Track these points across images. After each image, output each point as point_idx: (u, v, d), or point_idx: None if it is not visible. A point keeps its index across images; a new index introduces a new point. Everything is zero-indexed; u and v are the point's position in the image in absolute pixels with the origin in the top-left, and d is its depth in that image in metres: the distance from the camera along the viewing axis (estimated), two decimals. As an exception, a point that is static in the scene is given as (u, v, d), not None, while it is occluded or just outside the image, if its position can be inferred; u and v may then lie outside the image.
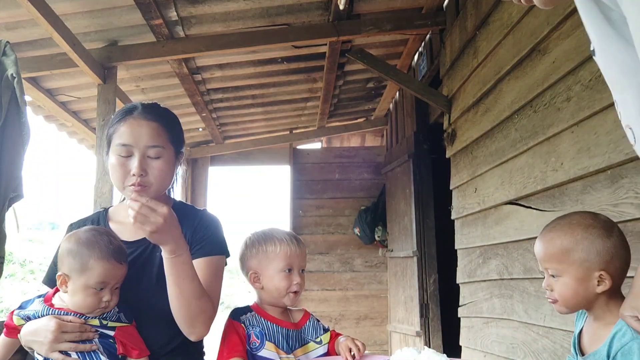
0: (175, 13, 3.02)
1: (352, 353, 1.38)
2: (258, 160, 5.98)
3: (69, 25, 2.82)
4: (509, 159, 2.51)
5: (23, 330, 1.29)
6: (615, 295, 1.14)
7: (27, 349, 1.32)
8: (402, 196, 4.65)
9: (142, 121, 1.38)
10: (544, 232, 1.19)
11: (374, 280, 5.63)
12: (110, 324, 1.32)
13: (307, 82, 4.46)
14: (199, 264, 1.38)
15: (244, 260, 1.52)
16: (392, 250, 4.92)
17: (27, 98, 3.02)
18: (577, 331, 1.22)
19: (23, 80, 2.05)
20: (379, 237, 5.28)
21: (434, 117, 4.30)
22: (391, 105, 5.40)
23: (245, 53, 3.69)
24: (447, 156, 3.38)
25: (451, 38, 3.28)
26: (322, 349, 1.48)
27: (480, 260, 2.91)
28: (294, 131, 5.77)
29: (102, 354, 1.28)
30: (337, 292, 5.65)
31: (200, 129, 5.25)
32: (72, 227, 1.49)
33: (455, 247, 3.26)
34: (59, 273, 1.30)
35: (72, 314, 1.29)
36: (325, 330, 1.53)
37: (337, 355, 1.44)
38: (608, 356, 1.05)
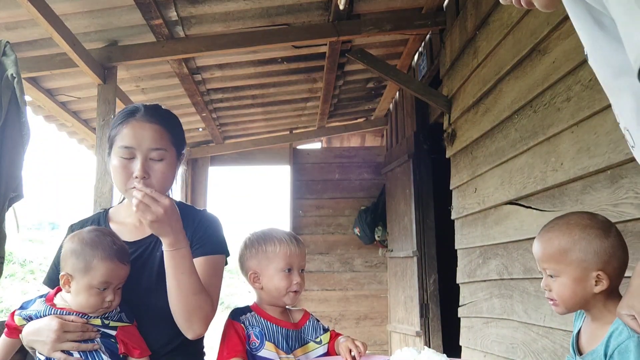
0: (175, 13, 3.02)
1: (352, 354, 1.37)
2: (258, 160, 5.98)
3: (69, 25, 2.83)
4: (509, 159, 2.51)
5: (25, 330, 1.29)
6: (613, 295, 1.14)
7: (28, 349, 1.32)
8: (402, 196, 4.65)
9: (144, 124, 1.38)
10: (542, 233, 1.20)
11: (374, 280, 5.63)
12: (112, 323, 1.33)
13: (307, 82, 4.46)
14: (198, 262, 1.38)
15: (243, 261, 1.52)
16: (392, 250, 4.92)
17: (27, 98, 3.02)
18: (576, 331, 1.22)
19: (23, 80, 2.05)
20: (379, 237, 5.29)
21: (434, 117, 4.30)
22: (391, 105, 5.40)
23: (245, 53, 3.69)
24: (447, 156, 3.38)
25: (451, 38, 3.28)
26: (322, 349, 1.48)
27: (480, 260, 2.91)
28: (294, 131, 5.77)
29: (103, 354, 1.29)
30: (337, 292, 5.65)
31: (200, 129, 5.25)
32: (73, 228, 1.49)
33: (455, 247, 3.26)
34: (62, 273, 1.30)
35: (74, 313, 1.30)
36: (325, 330, 1.53)
37: (337, 355, 1.44)
38: (605, 355, 1.06)
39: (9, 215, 2.00)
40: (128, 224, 1.49)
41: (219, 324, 1.46)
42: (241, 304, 1.57)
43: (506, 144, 2.54)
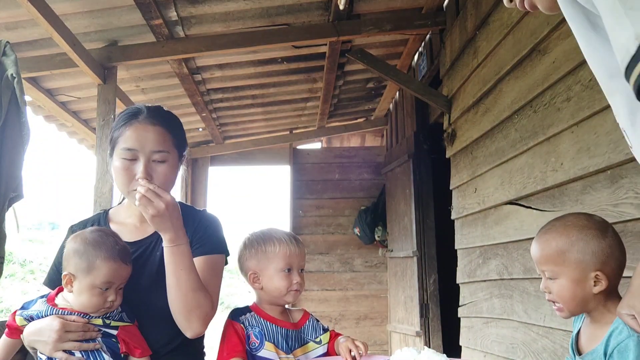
0: (175, 13, 3.02)
1: (353, 354, 1.37)
2: (258, 160, 5.98)
3: (69, 25, 2.83)
4: (509, 159, 2.51)
5: (26, 330, 1.30)
6: (612, 295, 1.14)
7: (29, 349, 1.33)
8: (402, 196, 4.65)
9: (148, 126, 1.39)
10: (540, 235, 1.20)
11: (374, 280, 5.63)
12: (113, 323, 1.33)
13: (307, 82, 4.46)
14: (198, 262, 1.39)
15: (242, 261, 1.53)
16: (392, 250, 4.92)
17: (27, 98, 3.03)
18: (575, 332, 1.22)
19: (23, 80, 2.05)
20: (379, 237, 5.29)
21: (434, 117, 4.30)
22: (391, 105, 5.40)
23: (245, 53, 3.69)
24: (447, 156, 3.38)
25: (451, 38, 3.28)
26: (322, 349, 1.48)
27: (480, 260, 2.91)
28: (294, 131, 5.77)
29: (105, 353, 1.29)
30: (337, 292, 5.65)
31: (200, 129, 5.25)
32: (73, 228, 1.50)
33: (455, 247, 3.26)
34: (64, 272, 1.31)
35: (76, 313, 1.30)
36: (325, 330, 1.53)
37: (336, 355, 1.44)
38: (605, 354, 1.06)
39: (9, 215, 2.00)
40: (128, 225, 1.49)
41: (219, 324, 1.47)
42: (241, 304, 1.57)
43: (506, 144, 2.54)
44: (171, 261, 1.31)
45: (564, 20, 2.00)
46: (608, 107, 1.74)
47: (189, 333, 1.34)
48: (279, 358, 1.40)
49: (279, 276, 1.46)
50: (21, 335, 1.31)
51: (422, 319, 4.21)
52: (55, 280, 1.44)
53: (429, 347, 1.74)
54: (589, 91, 1.86)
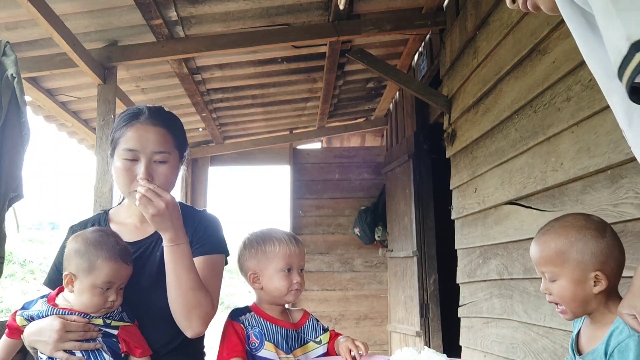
0: (175, 13, 3.02)
1: (352, 354, 1.37)
2: (258, 160, 5.98)
3: (69, 25, 2.83)
4: (509, 159, 2.51)
5: (26, 330, 1.30)
6: (612, 295, 1.14)
7: (29, 349, 1.33)
8: (402, 196, 4.65)
9: (149, 127, 1.39)
10: (538, 236, 1.20)
11: (374, 280, 5.63)
12: (114, 323, 1.34)
13: (307, 82, 4.46)
14: (198, 262, 1.39)
15: (242, 261, 1.52)
16: (392, 250, 4.92)
17: (27, 98, 3.02)
18: (575, 332, 1.22)
19: (23, 80, 2.05)
20: (379, 237, 5.29)
21: (434, 117, 4.30)
22: (391, 105, 5.40)
23: (245, 53, 3.69)
24: (447, 156, 3.38)
25: (451, 38, 3.28)
26: (322, 349, 1.48)
27: (480, 260, 2.91)
28: (294, 131, 5.77)
29: (105, 353, 1.30)
30: (337, 292, 5.65)
31: (200, 129, 5.25)
32: (73, 229, 1.50)
33: (455, 247, 3.26)
34: (65, 272, 1.31)
35: (76, 313, 1.31)
36: (325, 330, 1.53)
37: (336, 355, 1.44)
38: (606, 353, 1.06)
39: (9, 215, 2.00)
40: (128, 225, 1.49)
41: (219, 324, 1.47)
42: (241, 304, 1.57)
43: (506, 144, 2.54)
44: (171, 260, 1.32)
45: (564, 20, 2.00)
46: (608, 107, 1.73)
47: (189, 333, 1.34)
48: (279, 358, 1.40)
49: (279, 276, 1.46)
50: (21, 336, 1.31)
51: (422, 319, 4.21)
52: (55, 280, 1.44)
53: (429, 347, 1.74)
54: (589, 91, 1.86)
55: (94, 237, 1.32)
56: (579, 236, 1.13)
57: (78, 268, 1.29)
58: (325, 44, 3.60)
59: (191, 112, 4.57)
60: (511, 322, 2.53)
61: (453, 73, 3.28)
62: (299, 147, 6.04)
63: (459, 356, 3.02)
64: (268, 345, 1.40)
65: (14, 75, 1.91)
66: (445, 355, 1.27)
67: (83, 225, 1.51)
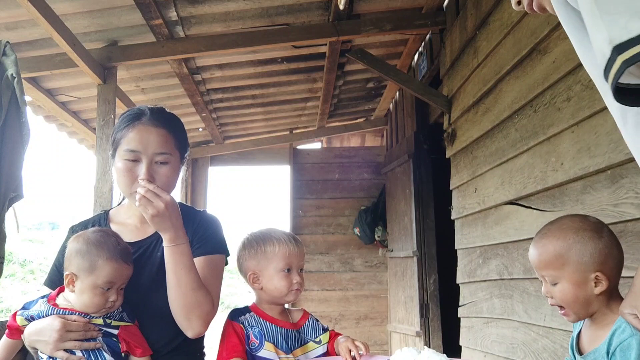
0: (175, 13, 3.02)
1: (352, 354, 1.37)
2: (258, 160, 5.98)
3: (69, 25, 2.83)
4: (509, 159, 2.51)
5: (27, 330, 1.30)
6: (614, 295, 1.14)
7: (29, 350, 1.33)
8: (402, 196, 4.65)
9: (151, 128, 1.39)
10: (536, 240, 1.20)
11: (374, 280, 5.63)
12: (114, 323, 1.34)
13: (307, 82, 4.46)
14: (199, 262, 1.39)
15: (242, 261, 1.52)
16: (392, 250, 4.92)
17: (27, 98, 3.02)
18: (576, 332, 1.22)
19: (23, 80, 2.05)
20: (379, 237, 5.28)
21: (434, 117, 4.30)
22: (391, 105, 5.40)
23: (245, 53, 3.69)
24: (447, 156, 3.38)
25: (451, 38, 3.28)
26: (322, 349, 1.48)
27: (480, 260, 2.91)
28: (294, 131, 5.77)
29: (106, 352, 1.30)
30: (337, 292, 5.65)
31: (200, 129, 5.25)
32: (74, 229, 1.50)
33: (455, 247, 3.26)
34: (66, 272, 1.32)
35: (77, 313, 1.31)
36: (325, 330, 1.53)
37: (336, 355, 1.44)
38: (608, 352, 1.06)
39: (9, 215, 2.00)
40: (129, 225, 1.50)
41: (219, 324, 1.47)
42: (241, 304, 1.57)
43: (506, 143, 2.54)
44: (171, 261, 1.32)
45: (564, 20, 2.00)
46: (608, 107, 1.74)
47: (189, 333, 1.35)
48: (279, 358, 1.40)
49: (279, 276, 1.46)
50: (22, 336, 1.32)
51: (422, 319, 4.21)
52: (55, 280, 1.44)
53: (429, 347, 1.74)
54: (589, 91, 1.86)
55: (95, 238, 1.32)
56: (577, 238, 1.13)
57: (79, 268, 1.29)
58: (325, 44, 3.60)
59: (191, 112, 4.57)
60: (511, 322, 2.53)
61: (453, 73, 3.28)
62: (299, 147, 6.04)
63: (459, 356, 3.02)
64: (268, 345, 1.40)
65: (14, 75, 1.91)
66: (445, 355, 1.26)
67: (83, 225, 1.51)
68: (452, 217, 3.30)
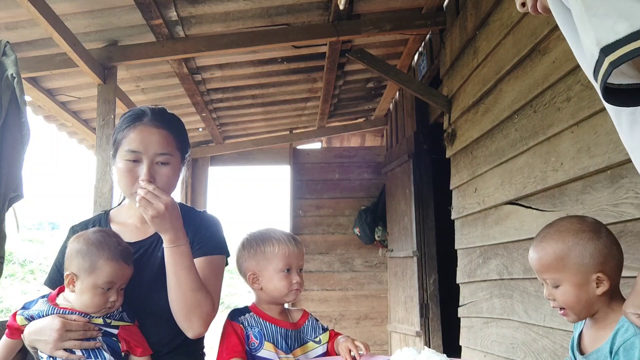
0: (175, 13, 3.02)
1: (352, 354, 1.37)
2: (258, 160, 5.98)
3: (69, 25, 2.83)
4: (509, 159, 2.51)
5: (27, 330, 1.30)
6: (615, 294, 1.14)
7: (29, 349, 1.33)
8: (402, 196, 4.65)
9: (152, 129, 1.40)
10: (535, 244, 1.20)
11: (374, 280, 5.63)
12: (114, 322, 1.34)
13: (307, 82, 4.46)
14: (199, 263, 1.40)
15: (241, 262, 1.52)
16: (392, 250, 4.92)
17: (27, 98, 3.03)
18: (577, 333, 1.22)
19: (23, 80, 2.05)
20: (379, 237, 5.28)
21: (434, 117, 4.30)
22: (391, 105, 5.40)
23: (245, 53, 3.69)
24: (447, 156, 3.38)
25: (451, 38, 3.28)
26: (322, 349, 1.48)
27: (480, 260, 2.91)
28: (294, 131, 5.77)
29: (106, 352, 1.30)
30: (337, 292, 5.65)
31: (200, 129, 5.26)
32: (74, 229, 1.51)
33: (455, 247, 3.26)
34: (66, 272, 1.32)
35: (77, 313, 1.31)
36: (324, 329, 1.53)
37: (336, 355, 1.44)
38: (611, 352, 1.06)
39: (9, 215, 2.00)
40: (129, 225, 1.50)
41: (219, 324, 1.47)
42: (241, 304, 1.57)
43: (506, 143, 2.54)
44: (171, 261, 1.32)
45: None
46: (608, 107, 1.74)
47: (190, 333, 1.35)
48: (279, 358, 1.40)
49: (279, 276, 1.46)
50: (22, 335, 1.32)
51: (422, 319, 4.21)
52: (56, 280, 1.44)
53: (429, 347, 1.74)
54: (589, 91, 1.86)
55: (96, 238, 1.32)
56: (576, 240, 1.13)
57: (79, 268, 1.29)
58: (325, 44, 3.60)
59: (191, 112, 4.57)
60: (511, 322, 2.53)
61: (453, 73, 3.28)
62: (299, 147, 6.04)
63: (459, 356, 3.02)
64: (267, 345, 1.40)
65: (14, 75, 1.91)
66: (445, 355, 1.26)
67: (84, 225, 1.51)
68: (452, 217, 3.30)
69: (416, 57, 4.31)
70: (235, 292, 11.94)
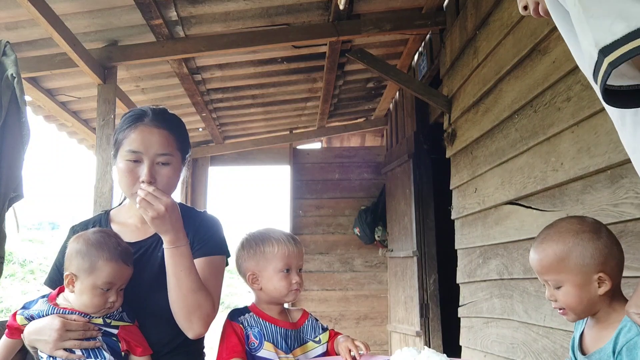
0: (175, 13, 3.02)
1: (352, 354, 1.37)
2: (258, 160, 5.98)
3: (69, 25, 2.83)
4: (509, 159, 2.51)
5: (27, 330, 1.31)
6: (617, 294, 1.14)
7: (29, 349, 1.33)
8: (402, 196, 4.65)
9: (153, 129, 1.40)
10: (536, 245, 1.20)
11: (374, 280, 5.63)
12: (114, 322, 1.34)
13: (307, 82, 4.46)
14: (199, 263, 1.40)
15: (240, 262, 1.52)
16: (392, 250, 4.92)
17: (27, 98, 3.02)
18: (578, 333, 1.22)
19: (23, 80, 2.05)
20: (379, 237, 5.28)
21: (434, 117, 4.30)
22: (391, 105, 5.40)
23: (245, 53, 3.69)
24: (447, 156, 3.38)
25: (451, 38, 3.28)
26: (321, 349, 1.48)
27: (480, 260, 2.91)
28: (294, 131, 5.77)
29: (105, 351, 1.30)
30: (337, 292, 5.65)
31: (200, 129, 5.26)
32: (75, 229, 1.51)
33: (455, 247, 3.26)
34: (66, 273, 1.32)
35: (77, 313, 1.31)
36: (324, 329, 1.53)
37: (336, 354, 1.44)
38: (613, 352, 1.06)
39: (9, 215, 2.00)
40: (130, 225, 1.50)
41: (219, 324, 1.47)
42: (241, 304, 1.57)
43: (506, 143, 2.54)
44: (171, 262, 1.32)
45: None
46: (608, 107, 1.74)
47: (190, 334, 1.35)
48: (279, 358, 1.40)
49: (278, 277, 1.46)
50: (22, 335, 1.32)
51: (422, 319, 4.21)
52: (56, 280, 1.44)
53: (429, 347, 1.74)
54: (589, 91, 1.86)
55: (96, 238, 1.32)
56: (577, 240, 1.13)
57: (79, 268, 1.29)
58: (325, 44, 3.60)
59: (191, 112, 4.57)
60: (511, 322, 2.53)
61: (453, 73, 3.28)
62: (299, 147, 6.04)
63: (459, 356, 3.02)
64: (267, 345, 1.40)
65: (14, 75, 1.91)
66: (445, 355, 1.26)
67: (84, 225, 1.51)
68: (452, 217, 3.30)
69: (416, 57, 4.31)
70: (235, 292, 11.94)
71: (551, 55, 2.12)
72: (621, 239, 1.19)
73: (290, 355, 1.42)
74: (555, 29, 2.07)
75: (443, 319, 4.15)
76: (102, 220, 1.53)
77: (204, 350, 1.54)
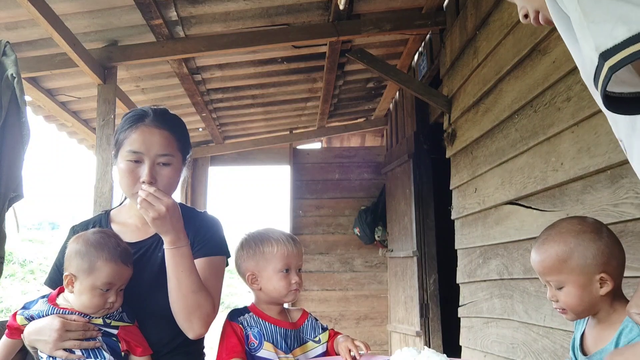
0: (175, 13, 3.02)
1: (352, 354, 1.37)
2: (258, 160, 5.98)
3: (69, 25, 2.83)
4: (509, 159, 2.51)
5: (27, 330, 1.31)
6: (618, 294, 1.14)
7: (29, 349, 1.33)
8: (402, 196, 4.65)
9: (154, 129, 1.40)
10: (537, 246, 1.20)
11: (374, 280, 5.63)
12: (114, 323, 1.34)
13: (307, 82, 4.46)
14: (199, 263, 1.40)
15: (240, 262, 1.52)
16: (392, 250, 4.92)
17: (27, 98, 3.02)
18: (579, 334, 1.22)
19: (23, 80, 2.05)
20: (379, 237, 5.28)
21: (434, 117, 4.30)
22: (391, 105, 5.40)
23: (245, 53, 3.69)
24: (447, 156, 3.38)
25: (451, 38, 3.28)
26: (321, 348, 1.48)
27: (480, 260, 2.91)
28: (294, 131, 5.77)
29: (105, 351, 1.30)
30: (337, 292, 5.65)
31: (200, 129, 5.26)
32: (75, 229, 1.51)
33: (455, 247, 3.26)
34: (65, 273, 1.32)
35: (77, 313, 1.31)
36: (324, 329, 1.53)
37: (336, 354, 1.44)
38: None
39: (9, 215, 2.00)
40: (130, 225, 1.50)
41: (219, 325, 1.47)
42: (241, 304, 1.57)
43: (506, 143, 2.54)
44: (172, 263, 1.32)
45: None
46: (608, 107, 1.74)
47: (190, 334, 1.35)
48: (278, 358, 1.40)
49: (278, 277, 1.46)
50: (22, 335, 1.32)
51: (422, 319, 4.21)
52: (56, 280, 1.44)
53: (429, 347, 1.74)
54: (589, 91, 1.85)
55: (95, 239, 1.32)
56: (578, 241, 1.12)
57: (78, 269, 1.29)
58: (325, 44, 3.60)
59: (191, 112, 4.57)
60: (511, 322, 2.53)
61: (453, 73, 3.28)
62: (299, 147, 6.04)
63: (459, 356, 3.02)
64: (267, 345, 1.40)
65: (14, 75, 1.91)
66: (445, 355, 1.26)
67: (84, 225, 1.51)
68: (452, 217, 3.30)
69: (416, 57, 4.31)
70: (235, 292, 11.94)
71: (551, 55, 2.12)
72: (621, 239, 1.19)
73: (290, 355, 1.42)
74: (555, 29, 2.07)
75: (443, 319, 4.15)
76: (102, 220, 1.53)
77: (204, 350, 1.54)
